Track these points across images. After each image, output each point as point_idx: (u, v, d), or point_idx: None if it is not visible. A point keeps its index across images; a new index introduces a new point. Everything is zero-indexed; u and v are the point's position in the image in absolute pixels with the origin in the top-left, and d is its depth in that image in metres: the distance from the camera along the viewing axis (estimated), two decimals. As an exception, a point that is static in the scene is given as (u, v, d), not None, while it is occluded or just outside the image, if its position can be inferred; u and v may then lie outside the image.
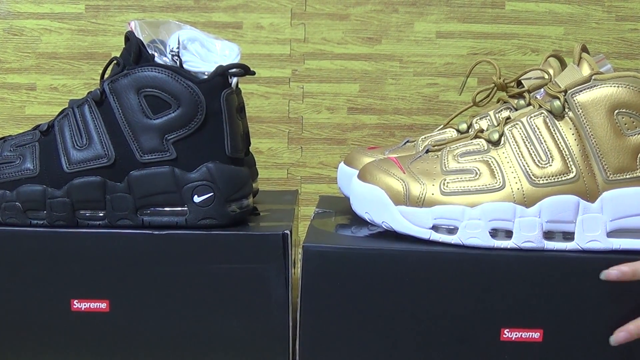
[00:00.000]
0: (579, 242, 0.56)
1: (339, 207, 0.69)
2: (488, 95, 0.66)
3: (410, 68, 1.07)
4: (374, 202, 0.58)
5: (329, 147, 1.09)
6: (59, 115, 0.62)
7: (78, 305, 0.61)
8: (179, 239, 0.60)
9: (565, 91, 0.57)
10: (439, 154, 0.60)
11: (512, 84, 0.63)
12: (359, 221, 0.62)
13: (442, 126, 0.68)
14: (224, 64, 0.60)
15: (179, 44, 0.60)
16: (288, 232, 0.60)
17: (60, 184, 0.60)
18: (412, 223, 0.57)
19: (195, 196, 0.60)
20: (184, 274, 0.60)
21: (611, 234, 0.56)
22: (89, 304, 0.61)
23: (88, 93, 0.61)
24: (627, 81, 0.55)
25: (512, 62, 1.07)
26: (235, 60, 0.61)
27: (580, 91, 0.56)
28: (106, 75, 0.62)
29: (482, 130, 0.60)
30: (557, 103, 0.57)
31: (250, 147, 0.69)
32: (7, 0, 1.04)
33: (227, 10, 1.05)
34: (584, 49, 0.60)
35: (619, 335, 0.56)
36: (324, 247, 0.58)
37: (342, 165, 0.69)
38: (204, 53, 0.61)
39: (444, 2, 1.06)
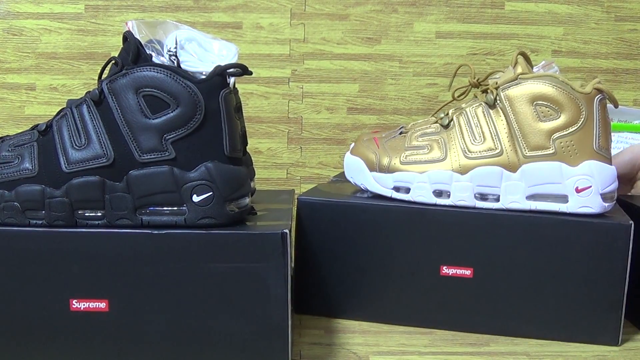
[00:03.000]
0: (503, 203, 0.72)
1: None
2: (464, 92, 0.79)
3: (410, 68, 1.07)
4: (356, 169, 0.77)
5: (328, 147, 1.09)
6: (57, 115, 0.62)
7: (77, 305, 0.61)
8: (178, 239, 0.60)
9: (498, 87, 0.73)
10: (406, 135, 0.77)
11: (485, 82, 0.76)
12: (357, 190, 0.79)
13: (429, 117, 0.80)
14: (222, 64, 0.60)
15: (176, 44, 0.60)
16: (287, 231, 0.60)
17: (59, 184, 0.60)
18: (380, 185, 0.76)
19: (194, 196, 0.60)
20: (183, 273, 0.60)
21: (529, 197, 0.72)
22: (88, 303, 0.61)
23: (86, 93, 0.61)
24: (545, 80, 0.71)
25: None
26: (233, 60, 0.61)
27: (508, 87, 0.72)
28: (104, 75, 0.62)
29: (440, 118, 0.76)
30: (490, 96, 0.73)
31: (248, 147, 0.70)
32: (7, 0, 1.04)
33: (226, 11, 1.05)
34: (522, 54, 0.73)
35: None
36: (311, 199, 0.76)
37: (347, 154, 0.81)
38: (202, 53, 0.61)
39: (443, 3, 1.06)
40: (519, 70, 0.72)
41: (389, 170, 0.75)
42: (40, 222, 0.61)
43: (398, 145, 0.76)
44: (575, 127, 0.70)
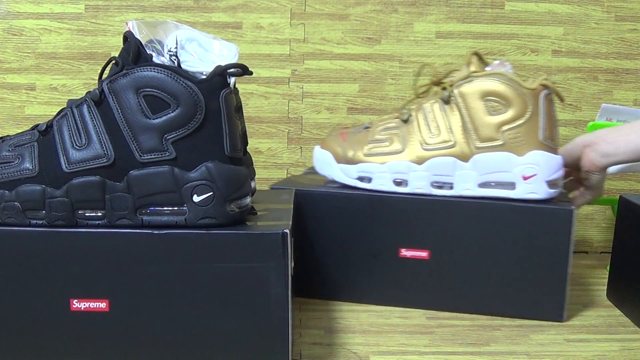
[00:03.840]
0: (457, 191, 0.79)
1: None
2: (426, 90, 0.84)
3: (410, 68, 1.07)
4: (324, 162, 0.84)
5: (328, 147, 1.09)
6: (57, 115, 0.62)
7: (77, 304, 0.61)
8: (179, 239, 0.60)
9: (452, 85, 0.78)
10: (370, 129, 0.83)
11: (444, 80, 0.81)
12: (327, 181, 0.85)
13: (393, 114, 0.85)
14: (222, 64, 0.60)
15: (176, 44, 0.60)
16: (287, 231, 0.60)
17: (59, 184, 0.60)
18: (346, 175, 0.82)
19: (195, 195, 0.60)
20: (183, 273, 0.60)
21: (480, 185, 0.78)
22: (88, 303, 0.61)
23: (87, 93, 0.61)
24: (494, 77, 0.77)
25: (512, 62, 1.07)
26: (233, 60, 0.61)
27: (462, 84, 0.78)
28: (104, 75, 0.62)
29: (402, 113, 0.82)
30: (445, 93, 0.79)
31: (248, 147, 0.70)
32: (7, 0, 1.04)
33: (226, 10, 1.05)
34: (476, 54, 0.79)
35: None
36: (282, 188, 0.83)
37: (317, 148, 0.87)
38: (202, 53, 0.61)
39: (443, 2, 1.06)
40: (472, 68, 0.78)
41: (353, 161, 0.81)
42: (41, 222, 0.61)
43: (362, 139, 0.82)
44: (523, 120, 0.76)
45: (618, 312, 0.82)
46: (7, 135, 0.65)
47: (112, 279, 0.61)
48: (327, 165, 0.83)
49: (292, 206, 0.72)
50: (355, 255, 0.81)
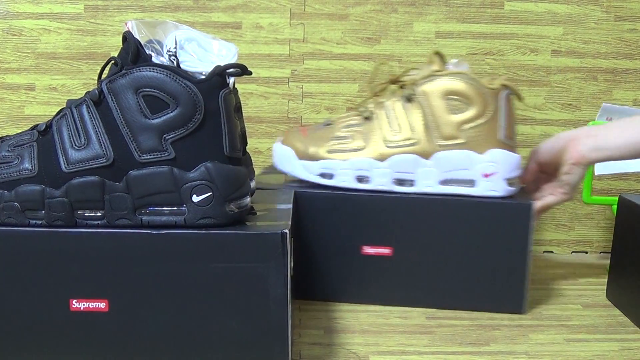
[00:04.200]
0: (419, 188, 0.80)
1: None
2: (383, 88, 0.85)
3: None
4: (285, 158, 0.84)
5: (328, 147, 1.09)
6: (57, 115, 0.62)
7: (77, 305, 0.61)
8: (178, 239, 0.60)
9: (414, 83, 0.80)
10: (332, 126, 0.83)
11: (401, 79, 0.83)
12: (290, 179, 0.85)
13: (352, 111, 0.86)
14: (222, 64, 0.60)
15: (176, 44, 0.60)
16: (287, 231, 0.60)
17: (58, 184, 0.60)
18: (308, 172, 0.82)
19: (194, 196, 0.60)
20: (182, 273, 0.60)
21: (441, 182, 0.79)
22: (88, 303, 0.61)
23: (86, 93, 0.61)
24: (456, 76, 0.78)
25: (512, 62, 1.07)
26: (233, 60, 0.61)
27: (424, 83, 0.79)
28: (104, 75, 0.62)
29: (362, 111, 0.83)
30: (407, 91, 0.80)
31: (248, 147, 0.69)
32: (7, 0, 1.04)
33: (226, 10, 1.05)
34: (437, 53, 0.81)
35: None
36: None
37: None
38: (201, 53, 0.61)
39: (443, 2, 1.06)
40: (434, 68, 0.80)
41: (315, 158, 0.81)
42: (40, 222, 0.61)
43: (324, 136, 0.83)
44: (483, 119, 0.78)
45: (618, 312, 0.82)
46: (7, 135, 0.65)
47: (111, 279, 0.61)
48: (288, 161, 0.83)
49: (291, 206, 0.72)
50: (318, 253, 0.82)
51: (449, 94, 0.78)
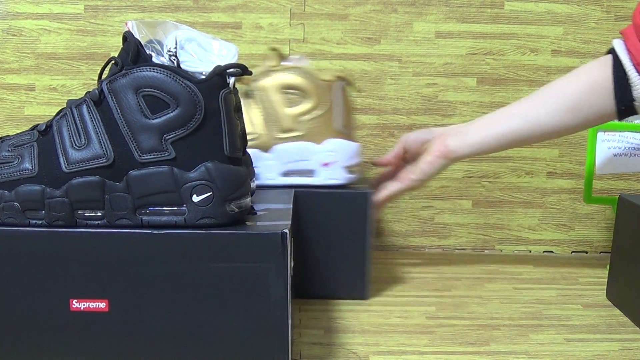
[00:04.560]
0: (262, 181, 0.81)
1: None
2: None
3: (410, 68, 1.07)
4: None
5: (328, 147, 1.09)
6: (57, 115, 0.62)
7: (77, 305, 0.61)
8: (178, 239, 0.60)
9: (253, 79, 0.82)
10: None
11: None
12: None
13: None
14: (222, 64, 0.60)
15: (176, 44, 0.60)
16: (287, 231, 0.60)
17: (59, 184, 0.60)
18: None
19: (194, 195, 0.60)
20: (183, 273, 0.60)
21: (283, 174, 0.83)
22: (88, 303, 0.61)
23: (86, 93, 0.61)
24: (292, 71, 0.81)
25: (512, 62, 1.07)
26: (233, 60, 0.61)
27: (261, 79, 0.82)
28: (104, 75, 0.62)
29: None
30: (246, 88, 0.82)
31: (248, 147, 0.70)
32: (6, 0, 1.04)
33: (226, 11, 1.05)
34: (274, 49, 0.84)
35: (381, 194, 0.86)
36: None
37: None
38: (202, 53, 0.61)
39: (443, 2, 1.06)
40: (270, 63, 0.83)
41: None
42: (40, 222, 0.61)
43: None
44: (320, 111, 0.81)
45: (618, 312, 0.82)
46: (7, 136, 0.65)
47: (111, 279, 0.61)
48: None
49: (291, 206, 0.72)
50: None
51: (285, 88, 0.81)
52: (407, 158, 0.89)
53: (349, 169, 0.83)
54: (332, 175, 0.82)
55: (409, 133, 0.90)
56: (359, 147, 0.84)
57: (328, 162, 0.82)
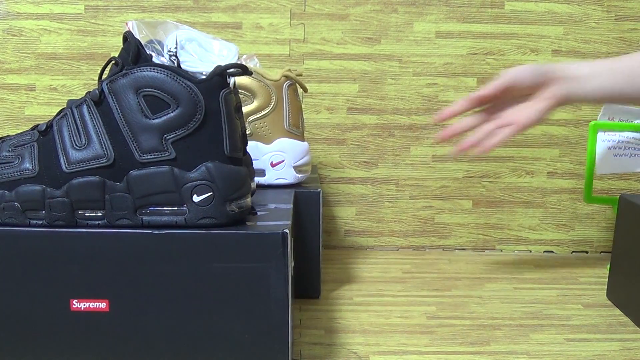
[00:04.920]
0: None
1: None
2: None
3: (410, 68, 1.07)
4: None
5: (328, 147, 1.09)
6: (57, 115, 0.62)
7: (77, 305, 0.61)
8: (179, 239, 0.60)
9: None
10: None
11: None
12: None
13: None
14: (222, 64, 0.60)
15: (176, 44, 0.60)
16: (287, 231, 0.60)
17: (59, 184, 0.60)
18: None
19: (195, 195, 0.60)
20: (183, 273, 0.60)
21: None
22: (88, 303, 0.61)
23: (86, 93, 0.61)
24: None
25: (512, 62, 1.07)
26: (233, 60, 0.61)
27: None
28: (104, 76, 0.62)
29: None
30: None
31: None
32: (7, 0, 1.04)
33: (226, 11, 1.05)
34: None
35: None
36: None
37: None
38: (202, 53, 0.61)
39: (443, 2, 1.06)
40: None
41: None
42: (41, 222, 0.61)
43: None
44: (268, 110, 0.82)
45: (618, 312, 0.82)
46: (7, 136, 0.65)
47: (112, 279, 0.61)
48: None
49: (292, 206, 0.72)
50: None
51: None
52: (510, 93, 0.80)
53: (298, 168, 0.84)
54: (281, 174, 0.83)
55: (512, 68, 0.80)
56: (308, 147, 0.85)
57: (277, 162, 0.83)
